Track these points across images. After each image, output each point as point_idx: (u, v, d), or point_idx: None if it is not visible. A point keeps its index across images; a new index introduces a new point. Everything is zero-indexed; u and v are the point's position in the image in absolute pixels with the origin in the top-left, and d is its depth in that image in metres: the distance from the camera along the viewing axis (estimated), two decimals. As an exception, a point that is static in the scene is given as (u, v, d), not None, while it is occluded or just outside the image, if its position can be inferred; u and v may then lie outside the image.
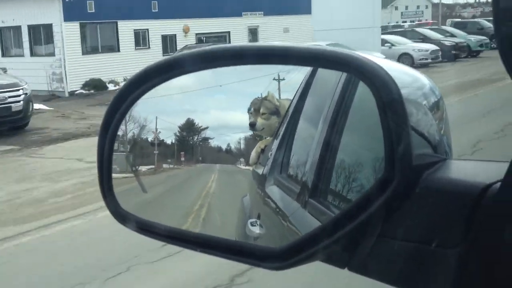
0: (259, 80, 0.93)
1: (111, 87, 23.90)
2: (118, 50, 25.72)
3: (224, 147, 1.01)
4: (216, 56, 0.88)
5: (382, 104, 0.72)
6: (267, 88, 0.95)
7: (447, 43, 32.07)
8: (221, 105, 1.00)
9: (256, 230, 1.00)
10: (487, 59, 30.22)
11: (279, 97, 0.98)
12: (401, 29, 41.13)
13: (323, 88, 0.99)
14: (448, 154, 0.78)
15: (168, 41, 27.33)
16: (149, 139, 1.06)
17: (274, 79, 0.93)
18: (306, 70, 0.96)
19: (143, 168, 1.09)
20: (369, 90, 0.73)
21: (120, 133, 0.99)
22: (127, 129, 1.02)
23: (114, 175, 1.00)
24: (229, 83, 0.97)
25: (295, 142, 1.05)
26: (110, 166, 0.98)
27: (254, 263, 0.82)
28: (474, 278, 0.66)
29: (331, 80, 0.96)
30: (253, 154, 1.00)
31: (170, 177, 1.09)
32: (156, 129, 1.05)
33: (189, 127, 1.03)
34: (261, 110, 0.98)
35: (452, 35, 34.30)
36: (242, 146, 1.00)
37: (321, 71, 0.98)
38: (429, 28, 38.29)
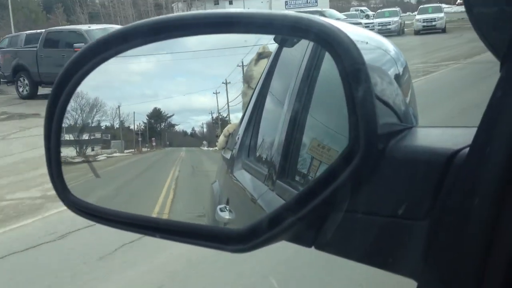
0: (217, 61, 0.93)
1: None
2: None
3: (189, 131, 1.00)
4: (168, 25, 0.84)
5: (345, 73, 0.68)
6: (230, 71, 0.94)
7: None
8: (182, 88, 0.99)
9: (226, 215, 0.99)
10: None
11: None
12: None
13: (288, 67, 0.98)
14: (415, 123, 0.74)
15: None
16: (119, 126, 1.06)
17: (238, 65, 0.91)
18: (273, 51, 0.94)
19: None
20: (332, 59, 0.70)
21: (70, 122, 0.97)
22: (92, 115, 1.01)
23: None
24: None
25: (262, 124, 1.04)
26: (59, 148, 0.95)
27: (217, 247, 0.77)
28: (444, 249, 0.63)
29: (296, 56, 0.94)
30: (221, 138, 0.99)
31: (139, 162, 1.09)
32: (135, 121, 1.05)
33: (157, 115, 1.03)
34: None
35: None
36: (205, 129, 0.99)
37: (286, 50, 0.96)
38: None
